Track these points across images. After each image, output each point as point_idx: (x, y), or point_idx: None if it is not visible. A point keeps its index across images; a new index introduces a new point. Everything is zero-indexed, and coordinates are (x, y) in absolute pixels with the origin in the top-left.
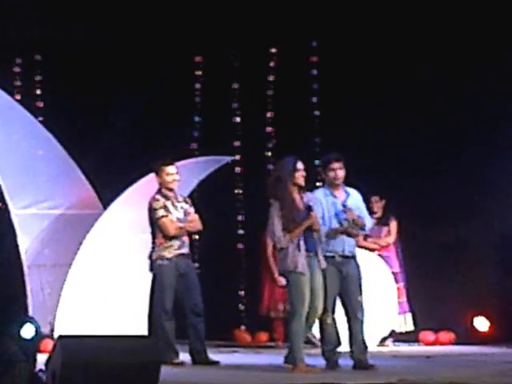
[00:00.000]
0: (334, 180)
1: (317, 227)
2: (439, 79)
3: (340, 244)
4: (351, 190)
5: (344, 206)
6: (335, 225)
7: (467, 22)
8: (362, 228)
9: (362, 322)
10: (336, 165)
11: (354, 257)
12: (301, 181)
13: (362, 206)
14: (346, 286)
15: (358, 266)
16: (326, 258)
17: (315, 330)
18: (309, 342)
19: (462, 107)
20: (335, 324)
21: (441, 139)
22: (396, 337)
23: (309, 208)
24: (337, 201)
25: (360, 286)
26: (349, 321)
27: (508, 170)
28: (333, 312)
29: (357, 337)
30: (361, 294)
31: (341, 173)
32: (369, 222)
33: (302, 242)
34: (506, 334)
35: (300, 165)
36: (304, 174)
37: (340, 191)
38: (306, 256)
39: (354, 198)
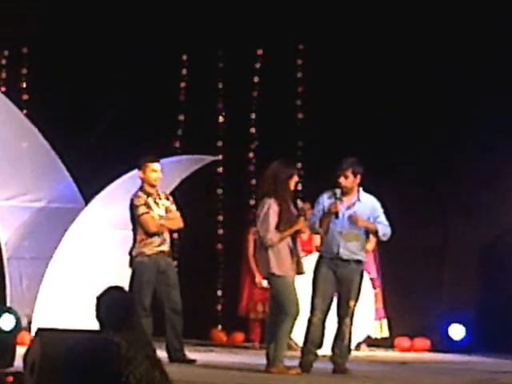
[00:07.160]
0: (339, 185)
1: (304, 232)
2: (426, 82)
3: (334, 246)
4: (366, 198)
5: (350, 217)
6: (332, 224)
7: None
8: (375, 233)
9: (349, 327)
10: (340, 172)
11: (356, 261)
12: (293, 187)
13: (375, 213)
14: (339, 289)
15: (358, 271)
16: (322, 257)
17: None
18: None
19: (447, 108)
20: (323, 326)
21: (426, 142)
22: (370, 342)
23: (299, 213)
24: (338, 202)
25: (354, 290)
26: (338, 323)
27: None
28: (324, 314)
29: (342, 340)
30: (352, 298)
31: (343, 181)
32: (383, 229)
33: (290, 244)
34: (482, 342)
35: (296, 173)
36: (296, 180)
37: (350, 196)
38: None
39: (366, 206)
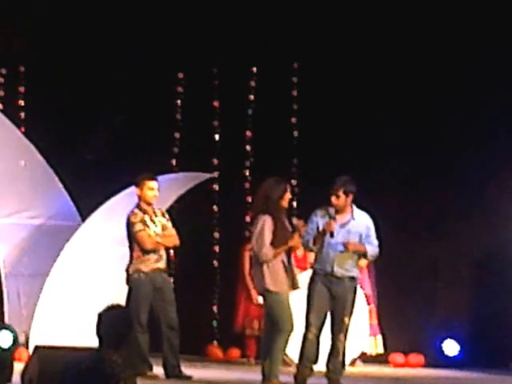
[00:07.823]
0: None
1: (298, 248)
2: (421, 100)
3: (328, 264)
4: (359, 215)
5: (343, 244)
6: (327, 242)
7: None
8: (364, 255)
9: (343, 343)
10: (332, 192)
11: (350, 278)
12: (286, 205)
13: (367, 232)
14: (334, 305)
15: (351, 288)
16: (316, 274)
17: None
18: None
19: (442, 126)
20: (317, 342)
21: (420, 160)
22: (365, 358)
23: (293, 230)
24: (332, 222)
25: (348, 307)
26: (332, 339)
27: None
28: (319, 330)
29: (336, 356)
30: (346, 315)
31: (335, 200)
32: (372, 250)
33: (285, 261)
34: (476, 358)
35: (288, 191)
36: (290, 197)
37: (343, 215)
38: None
39: (360, 224)
